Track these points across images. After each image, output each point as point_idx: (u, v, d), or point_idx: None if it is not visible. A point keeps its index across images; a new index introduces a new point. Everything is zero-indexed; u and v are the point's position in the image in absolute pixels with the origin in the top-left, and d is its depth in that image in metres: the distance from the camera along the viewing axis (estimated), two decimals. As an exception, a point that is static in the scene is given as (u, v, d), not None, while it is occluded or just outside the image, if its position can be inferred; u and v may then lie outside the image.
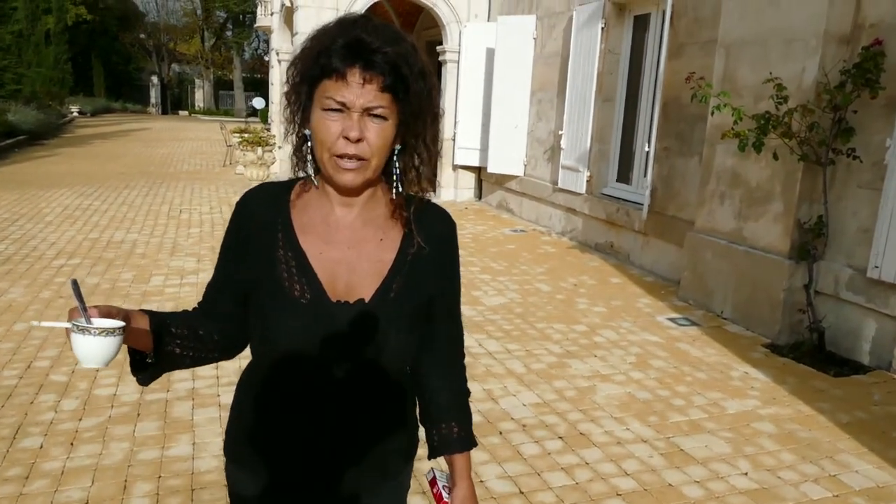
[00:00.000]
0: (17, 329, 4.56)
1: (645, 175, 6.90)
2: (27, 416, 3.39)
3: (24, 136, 17.09)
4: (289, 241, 1.22)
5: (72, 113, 29.25)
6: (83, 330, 1.01)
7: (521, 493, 2.92)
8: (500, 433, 3.42)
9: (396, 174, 1.23)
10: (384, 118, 1.14)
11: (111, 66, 42.55)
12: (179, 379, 3.88)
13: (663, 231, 6.55)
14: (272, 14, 14.74)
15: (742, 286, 5.21)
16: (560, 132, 8.28)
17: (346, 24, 1.15)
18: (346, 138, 1.13)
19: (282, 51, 13.17)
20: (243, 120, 27.28)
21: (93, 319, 1.03)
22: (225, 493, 2.79)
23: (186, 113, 43.97)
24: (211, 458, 3.07)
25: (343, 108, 1.13)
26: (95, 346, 1.01)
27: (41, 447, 3.11)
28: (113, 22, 42.56)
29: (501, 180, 10.00)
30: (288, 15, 12.23)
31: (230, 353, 1.32)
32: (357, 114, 1.13)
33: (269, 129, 13.60)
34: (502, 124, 9.46)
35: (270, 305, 1.20)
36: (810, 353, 4.59)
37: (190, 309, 1.32)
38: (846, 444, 3.48)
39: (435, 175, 1.28)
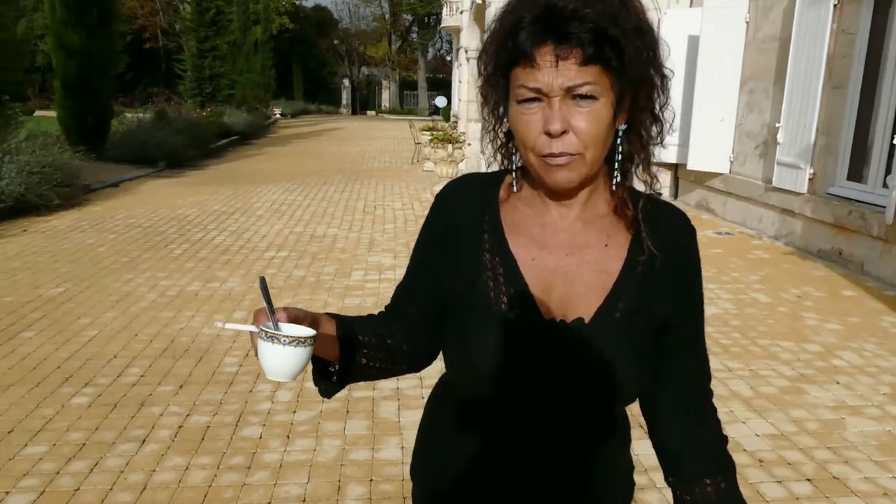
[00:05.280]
0: (235, 317, 4.83)
1: (888, 172, 5.98)
2: (247, 405, 3.51)
3: (237, 136, 18.89)
4: (497, 243, 1.01)
5: (274, 115, 31.91)
6: (272, 337, 0.87)
7: (770, 543, 2.51)
8: (734, 466, 3.00)
9: (618, 160, 0.97)
10: (594, 97, 0.88)
11: (308, 70, 46.06)
12: (384, 377, 3.87)
13: (911, 238, 5.63)
14: (461, 13, 14.94)
15: None
16: (777, 124, 7.45)
17: None
18: (548, 133, 0.88)
19: (470, 48, 13.27)
20: (429, 118, 28.13)
21: (280, 325, 0.89)
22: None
23: (374, 113, 46.33)
24: (420, 465, 2.97)
25: (539, 95, 0.88)
26: (284, 357, 0.87)
27: (260, 437, 3.18)
28: (311, 30, 46.01)
29: (702, 178, 9.26)
30: (478, 12, 12.26)
31: (419, 366, 1.13)
32: (557, 99, 0.88)
33: (455, 127, 13.76)
34: (706, 117, 8.75)
35: (471, 319, 1.00)
36: None
37: (377, 313, 1.14)
38: None
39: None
